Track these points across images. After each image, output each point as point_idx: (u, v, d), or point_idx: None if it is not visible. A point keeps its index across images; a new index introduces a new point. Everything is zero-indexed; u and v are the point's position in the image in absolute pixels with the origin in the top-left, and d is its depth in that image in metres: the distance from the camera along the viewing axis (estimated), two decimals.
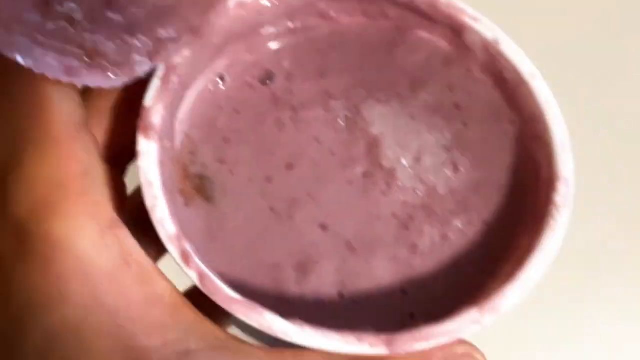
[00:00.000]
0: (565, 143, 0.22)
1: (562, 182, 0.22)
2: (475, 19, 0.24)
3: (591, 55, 0.43)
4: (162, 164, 0.21)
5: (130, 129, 0.21)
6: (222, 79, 0.24)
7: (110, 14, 0.20)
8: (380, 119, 0.24)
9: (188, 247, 0.20)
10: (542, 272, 0.21)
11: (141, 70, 0.21)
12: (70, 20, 0.19)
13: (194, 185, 0.23)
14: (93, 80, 0.20)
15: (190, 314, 0.19)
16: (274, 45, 0.24)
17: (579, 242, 0.29)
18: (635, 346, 0.39)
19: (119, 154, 0.22)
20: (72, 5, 0.19)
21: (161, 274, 0.20)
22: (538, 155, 0.23)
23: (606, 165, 0.40)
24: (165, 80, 0.21)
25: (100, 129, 0.22)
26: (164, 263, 0.22)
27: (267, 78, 0.24)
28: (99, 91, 0.22)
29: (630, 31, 0.44)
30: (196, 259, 0.20)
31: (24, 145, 0.19)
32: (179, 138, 0.23)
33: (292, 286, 0.22)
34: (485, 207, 0.23)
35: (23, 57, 0.18)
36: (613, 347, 0.39)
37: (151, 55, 0.21)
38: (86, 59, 0.19)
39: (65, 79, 0.19)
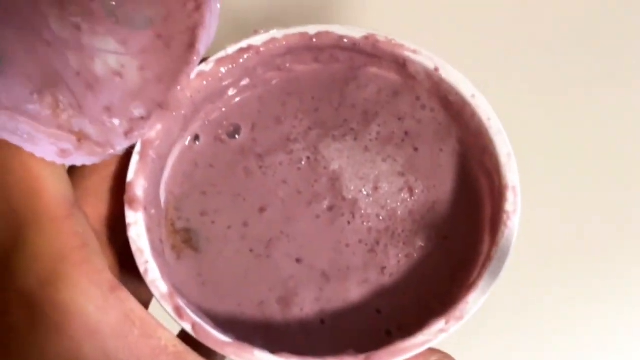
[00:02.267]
0: (510, 154, 0.25)
1: (511, 190, 0.24)
2: (414, 52, 0.26)
3: (528, 72, 0.45)
4: (150, 231, 0.23)
5: (117, 205, 0.24)
6: (197, 138, 0.26)
7: (92, 101, 0.23)
8: (338, 155, 0.26)
9: (180, 302, 0.22)
10: (499, 276, 0.23)
11: (120, 147, 0.23)
12: (61, 108, 0.22)
13: (182, 239, 0.25)
14: (80, 160, 0.23)
15: None
16: (237, 100, 0.27)
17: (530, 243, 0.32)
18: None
19: (114, 223, 0.25)
20: (62, 95, 0.22)
21: (162, 326, 0.22)
22: (488, 167, 0.25)
23: (549, 171, 0.43)
24: (143, 154, 0.24)
25: (89, 204, 0.24)
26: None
27: (234, 131, 0.27)
28: (84, 170, 0.24)
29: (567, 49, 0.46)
30: (188, 311, 0.22)
31: (24, 225, 0.21)
32: (164, 197, 0.26)
33: (278, 319, 0.24)
34: (443, 222, 0.25)
35: (25, 144, 0.21)
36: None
37: (127, 134, 0.24)
38: (76, 142, 0.22)
39: (59, 160, 0.22)
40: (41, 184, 0.21)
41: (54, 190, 0.21)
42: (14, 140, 0.21)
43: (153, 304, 0.25)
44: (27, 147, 0.21)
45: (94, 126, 0.23)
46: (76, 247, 0.21)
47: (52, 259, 0.21)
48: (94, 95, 0.23)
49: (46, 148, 0.21)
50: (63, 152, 0.22)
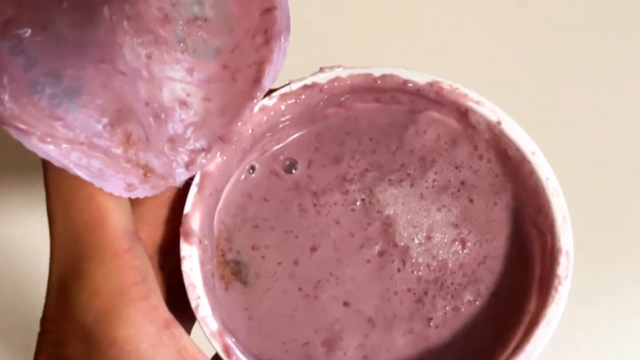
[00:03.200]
0: (566, 216, 0.24)
1: (564, 254, 0.24)
2: (478, 103, 0.26)
3: (590, 131, 0.45)
4: (203, 264, 0.24)
5: (169, 231, 0.24)
6: (252, 169, 0.27)
7: (158, 133, 0.23)
8: (393, 200, 0.26)
9: (229, 341, 0.23)
10: (546, 342, 0.23)
11: (180, 179, 0.24)
12: (131, 142, 0.22)
13: (232, 270, 0.26)
14: (143, 193, 0.23)
15: None
16: (296, 135, 0.27)
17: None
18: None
19: (166, 249, 0.25)
20: (132, 128, 0.22)
21: None
22: (541, 227, 0.25)
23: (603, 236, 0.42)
24: (201, 187, 0.24)
25: (144, 230, 0.24)
26: None
27: (291, 166, 0.27)
28: (140, 200, 0.24)
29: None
30: (237, 351, 0.23)
31: (86, 258, 0.22)
32: (216, 227, 0.26)
33: None
34: (493, 278, 0.25)
35: (96, 179, 0.21)
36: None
37: (188, 166, 0.24)
38: (142, 176, 0.22)
39: (125, 195, 0.22)
40: (105, 215, 0.22)
41: (116, 222, 0.22)
42: (85, 176, 0.21)
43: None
44: (97, 183, 0.21)
45: (158, 159, 0.23)
46: (135, 283, 0.21)
47: (111, 295, 0.21)
48: (159, 126, 0.23)
49: (115, 183, 0.22)
50: (129, 186, 0.22)
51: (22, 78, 0.21)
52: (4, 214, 0.43)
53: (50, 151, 0.21)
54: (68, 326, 0.21)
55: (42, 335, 0.22)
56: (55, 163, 0.21)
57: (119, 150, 0.22)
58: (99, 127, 0.22)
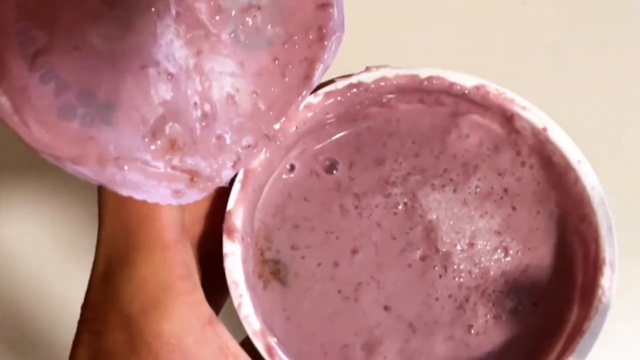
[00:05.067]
0: (611, 226, 0.24)
1: (609, 265, 0.24)
2: (524, 108, 0.25)
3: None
4: (245, 262, 0.23)
5: (209, 227, 0.24)
6: (292, 168, 0.26)
7: (205, 134, 0.23)
8: (436, 205, 0.26)
9: (271, 341, 0.22)
10: (589, 353, 0.23)
11: (227, 178, 0.23)
12: (177, 147, 0.22)
13: (270, 270, 0.25)
14: (192, 197, 0.22)
15: None
16: (337, 135, 0.27)
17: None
18: None
19: (206, 244, 0.25)
20: (177, 133, 0.22)
21: None
22: (585, 237, 0.25)
23: None
24: (244, 184, 0.24)
25: (186, 224, 0.24)
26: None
27: (331, 167, 0.26)
28: None
29: None
30: (279, 351, 0.22)
31: (136, 248, 0.21)
32: (256, 225, 0.25)
33: None
34: (535, 287, 0.25)
35: (136, 193, 0.21)
36: None
37: (235, 164, 0.23)
38: (189, 181, 0.22)
39: (173, 202, 0.21)
40: (156, 208, 0.21)
41: (168, 215, 0.21)
42: (122, 191, 0.20)
43: None
44: (138, 196, 0.21)
45: (205, 160, 0.23)
46: (182, 277, 0.21)
47: (158, 287, 0.21)
48: (208, 126, 0.23)
49: (160, 192, 0.21)
50: (176, 193, 0.22)
51: (53, 104, 0.20)
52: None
53: (84, 171, 0.20)
54: (111, 315, 0.21)
55: (82, 324, 0.21)
56: (92, 182, 0.21)
57: (159, 162, 0.21)
58: (138, 139, 0.21)
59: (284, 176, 0.26)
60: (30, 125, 0.20)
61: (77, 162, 0.20)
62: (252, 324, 0.22)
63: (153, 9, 0.22)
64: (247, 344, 0.23)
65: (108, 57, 0.21)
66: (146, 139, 0.21)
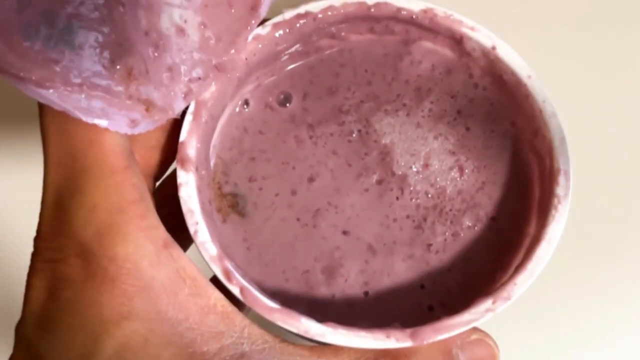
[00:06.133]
0: (563, 137, 0.24)
1: (563, 174, 0.24)
2: (472, 29, 0.26)
3: (585, 55, 0.44)
4: (200, 191, 0.23)
5: (162, 157, 0.24)
6: (246, 103, 0.26)
7: (157, 64, 0.23)
8: (390, 129, 0.26)
9: (229, 265, 0.22)
10: (547, 260, 0.23)
11: (178, 110, 0.23)
12: (133, 76, 0.22)
13: (229, 203, 0.25)
14: (145, 127, 0.22)
15: (241, 320, 0.22)
16: (289, 68, 0.27)
17: (576, 233, 0.31)
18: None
19: (158, 175, 0.25)
20: (133, 62, 0.22)
21: (211, 285, 0.22)
22: (539, 150, 0.25)
23: (601, 158, 0.42)
24: (196, 115, 0.24)
25: (138, 154, 0.24)
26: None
27: (285, 100, 0.26)
28: None
29: (625, 31, 0.45)
30: (237, 275, 0.22)
31: (84, 174, 0.21)
32: (212, 160, 0.26)
33: (322, 289, 0.24)
34: (491, 203, 0.25)
35: (99, 120, 0.21)
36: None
37: (186, 95, 0.23)
38: (144, 111, 0.22)
39: (129, 131, 0.22)
40: (102, 132, 0.21)
41: (114, 140, 0.21)
42: (87, 118, 0.20)
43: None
44: (101, 123, 0.21)
45: (158, 91, 0.23)
46: (133, 201, 0.21)
47: (110, 211, 0.21)
48: (158, 57, 0.23)
49: (118, 121, 0.21)
50: (132, 122, 0.22)
51: (14, 21, 0.20)
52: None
53: (49, 95, 0.20)
54: (65, 242, 0.21)
55: (36, 254, 0.21)
56: (56, 107, 0.20)
57: (120, 88, 0.21)
58: (99, 65, 0.21)
59: (239, 111, 0.26)
60: None
61: (41, 85, 0.20)
62: (209, 249, 0.23)
63: None
64: (216, 281, 0.23)
65: None
66: (107, 66, 0.21)
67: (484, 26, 0.26)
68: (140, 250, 0.21)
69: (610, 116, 0.43)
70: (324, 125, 0.26)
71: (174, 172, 0.24)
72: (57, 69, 0.20)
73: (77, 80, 0.20)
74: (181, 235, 0.23)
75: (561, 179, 0.24)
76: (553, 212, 0.24)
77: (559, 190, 0.24)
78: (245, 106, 0.26)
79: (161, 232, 0.21)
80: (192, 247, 0.24)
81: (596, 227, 0.41)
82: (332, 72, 0.27)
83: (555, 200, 0.24)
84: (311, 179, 0.25)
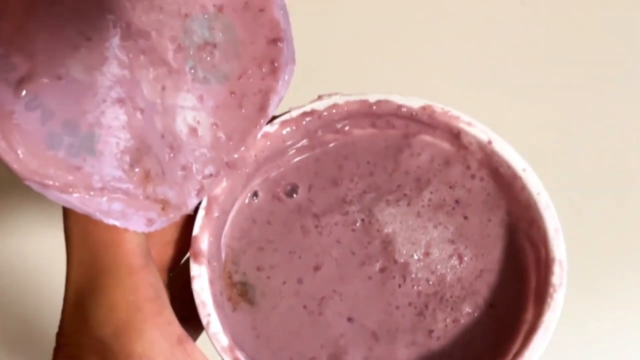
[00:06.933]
0: (558, 228, 0.26)
1: (557, 264, 0.25)
2: (469, 124, 0.27)
3: (580, 146, 0.47)
4: (212, 283, 0.25)
5: (177, 252, 0.25)
6: (255, 195, 0.28)
7: (172, 165, 0.24)
8: (391, 219, 0.27)
9: (239, 355, 0.23)
10: (544, 347, 0.24)
11: (192, 206, 0.25)
12: (150, 178, 0.23)
13: (239, 292, 0.27)
14: (161, 225, 0.24)
15: None
16: (296, 160, 0.28)
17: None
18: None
19: (169, 273, 0.26)
20: (150, 164, 0.23)
21: None
22: (535, 240, 0.26)
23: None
24: (208, 210, 0.25)
25: (154, 250, 0.25)
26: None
27: (292, 191, 0.28)
28: None
29: (623, 124, 0.47)
30: None
31: (104, 274, 0.22)
32: (223, 250, 0.27)
33: None
34: (490, 291, 0.26)
35: (118, 221, 0.22)
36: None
37: (198, 192, 0.25)
38: (160, 210, 0.23)
39: (147, 230, 0.23)
40: (121, 233, 0.23)
41: (132, 240, 0.23)
42: (108, 220, 0.22)
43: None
44: (121, 224, 0.22)
45: (172, 190, 0.24)
46: (150, 299, 0.22)
47: (128, 310, 0.22)
48: (174, 157, 0.24)
49: (136, 221, 0.23)
50: (149, 221, 0.23)
51: (39, 132, 0.21)
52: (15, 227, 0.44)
53: (72, 200, 0.21)
54: (85, 340, 0.22)
55: (58, 350, 0.23)
56: (78, 210, 0.22)
57: (139, 190, 0.23)
58: (119, 170, 0.22)
59: (248, 202, 0.28)
60: (19, 151, 0.21)
61: (65, 191, 0.21)
62: (221, 340, 0.24)
63: (123, 48, 0.23)
64: None
65: (89, 89, 0.22)
66: (125, 170, 0.23)
67: (481, 122, 0.27)
68: (156, 347, 0.22)
69: (606, 206, 0.45)
70: (328, 215, 0.27)
71: (187, 260, 0.25)
72: (80, 175, 0.22)
73: (99, 185, 0.22)
74: (193, 323, 0.24)
75: (556, 268, 0.25)
76: (549, 300, 0.25)
77: (555, 279, 0.25)
78: (254, 197, 0.28)
79: (176, 327, 0.23)
80: (204, 333, 0.25)
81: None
82: (336, 164, 0.28)
83: (551, 289, 0.25)
84: (317, 268, 0.27)
